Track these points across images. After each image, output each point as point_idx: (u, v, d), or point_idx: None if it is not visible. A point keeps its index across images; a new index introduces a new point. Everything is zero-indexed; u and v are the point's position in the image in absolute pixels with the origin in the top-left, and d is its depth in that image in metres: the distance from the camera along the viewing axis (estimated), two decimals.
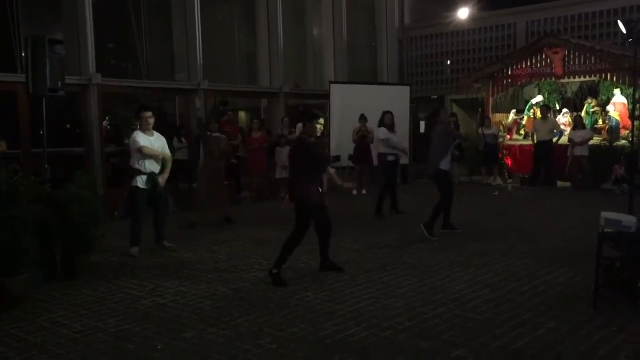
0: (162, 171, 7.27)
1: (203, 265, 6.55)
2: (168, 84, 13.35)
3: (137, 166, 7.07)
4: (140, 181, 7.08)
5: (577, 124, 12.56)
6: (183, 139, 11.74)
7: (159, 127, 7.71)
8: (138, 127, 7.29)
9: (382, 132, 9.62)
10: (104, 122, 12.62)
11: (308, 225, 5.84)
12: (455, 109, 16.34)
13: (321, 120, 5.95)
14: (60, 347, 4.26)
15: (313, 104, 15.80)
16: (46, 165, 7.19)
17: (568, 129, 13.24)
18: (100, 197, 6.75)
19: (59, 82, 7.13)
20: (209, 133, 9.14)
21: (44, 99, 7.11)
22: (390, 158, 9.50)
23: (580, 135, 12.29)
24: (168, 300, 5.29)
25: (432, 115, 8.48)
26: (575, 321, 4.56)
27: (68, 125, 13.57)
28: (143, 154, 6.99)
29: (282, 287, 5.57)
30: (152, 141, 7.16)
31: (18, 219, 5.25)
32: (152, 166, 7.15)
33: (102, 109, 11.54)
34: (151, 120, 7.20)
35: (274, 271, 5.77)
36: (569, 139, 12.48)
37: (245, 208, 10.88)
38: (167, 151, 7.37)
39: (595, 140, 12.54)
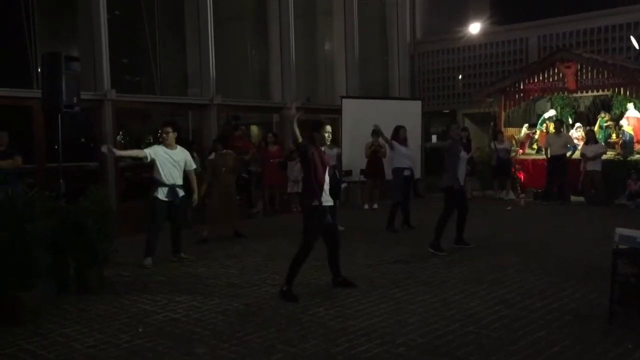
0: (190, 188, 7.48)
1: (215, 280, 6.57)
2: (181, 99, 13.45)
3: (158, 178, 7.20)
4: (161, 193, 7.21)
5: (589, 138, 12.50)
6: (195, 154, 11.78)
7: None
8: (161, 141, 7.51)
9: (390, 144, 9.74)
10: (118, 137, 12.71)
11: (314, 238, 5.80)
12: (468, 123, 16.30)
13: (328, 128, 5.89)
14: None
15: (324, 119, 15.81)
16: (61, 180, 7.26)
17: (581, 144, 13.17)
18: (114, 212, 6.81)
19: (75, 98, 7.23)
20: (213, 153, 9.22)
21: (59, 115, 7.20)
22: (406, 173, 9.51)
23: (592, 150, 12.23)
24: (181, 315, 5.31)
25: (445, 131, 8.44)
26: (590, 339, 4.51)
27: (83, 140, 13.69)
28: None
29: (294, 303, 5.56)
30: (172, 155, 7.30)
31: (32, 234, 5.30)
32: (173, 179, 7.28)
33: (116, 124, 11.64)
34: (169, 135, 7.36)
35: (284, 288, 5.77)
36: (582, 154, 12.42)
37: (257, 222, 10.89)
38: (190, 165, 7.54)
39: (609, 155, 12.46)
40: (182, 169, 7.43)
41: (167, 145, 7.36)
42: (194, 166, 7.65)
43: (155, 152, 7.26)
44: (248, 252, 8.10)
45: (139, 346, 4.56)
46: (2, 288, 5.16)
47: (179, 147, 7.49)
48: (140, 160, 7.41)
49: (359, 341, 4.55)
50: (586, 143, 12.54)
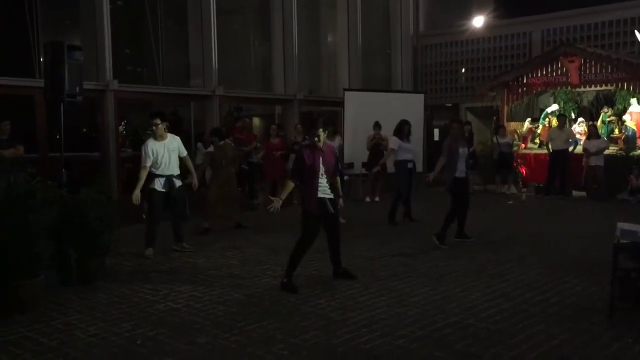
0: (185, 174, 7.45)
1: (216, 271, 6.59)
2: (183, 90, 13.45)
3: (155, 169, 7.21)
4: (158, 184, 7.23)
5: (591, 133, 12.47)
6: (202, 145, 11.76)
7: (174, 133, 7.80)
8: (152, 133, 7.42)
9: (393, 142, 9.70)
10: (120, 128, 12.71)
11: (313, 233, 5.82)
12: (470, 117, 16.30)
13: (319, 132, 5.81)
14: (76, 350, 4.30)
15: (326, 111, 15.85)
16: (63, 170, 7.27)
17: (584, 138, 13.16)
18: (115, 202, 6.82)
19: (77, 88, 7.21)
20: (211, 145, 9.19)
21: (61, 104, 7.19)
22: (409, 165, 9.53)
23: (595, 145, 12.20)
24: (182, 305, 5.33)
25: (447, 127, 8.35)
26: (590, 333, 4.52)
27: (84, 130, 13.71)
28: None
29: (295, 294, 5.58)
30: (166, 145, 7.28)
31: (34, 222, 5.31)
32: (170, 169, 7.28)
33: (118, 115, 11.65)
34: (158, 128, 7.27)
35: (285, 280, 5.80)
36: (584, 149, 12.39)
37: (258, 214, 10.90)
38: (183, 151, 7.49)
39: (612, 150, 12.44)
40: (178, 157, 7.40)
41: (159, 137, 7.28)
42: (185, 152, 7.59)
43: (152, 151, 7.20)
44: (249, 243, 8.12)
45: (140, 335, 4.57)
46: (4, 277, 5.18)
47: (169, 135, 7.39)
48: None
49: (360, 332, 4.57)
50: (588, 138, 12.52)
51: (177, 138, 7.53)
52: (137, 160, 11.89)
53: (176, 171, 7.37)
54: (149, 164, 7.19)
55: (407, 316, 4.95)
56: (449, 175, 7.81)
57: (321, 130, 5.86)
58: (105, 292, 5.79)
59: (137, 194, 7.13)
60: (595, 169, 12.16)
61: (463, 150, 7.95)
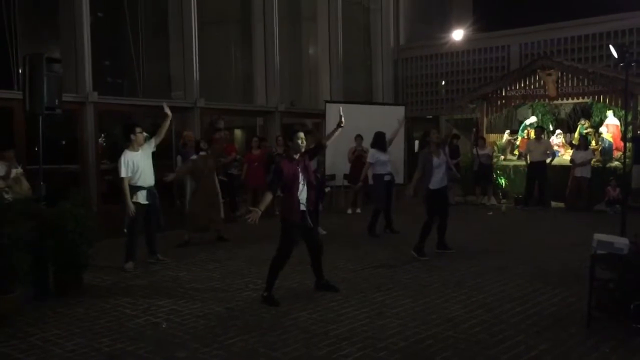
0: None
1: (197, 284, 6.54)
2: (164, 102, 13.37)
3: (135, 182, 7.17)
4: (142, 197, 7.20)
5: (580, 144, 12.58)
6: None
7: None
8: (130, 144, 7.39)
9: (369, 155, 9.73)
10: (100, 140, 12.60)
11: (291, 244, 5.81)
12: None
13: (301, 135, 5.84)
14: None
15: (308, 123, 15.88)
16: (42, 182, 7.19)
17: (562, 150, 13.35)
18: (95, 215, 6.75)
19: (56, 100, 7.15)
20: (194, 156, 9.17)
21: (40, 117, 7.13)
22: (386, 178, 9.56)
23: (581, 156, 12.30)
24: (162, 319, 5.27)
25: (424, 135, 8.21)
26: (568, 343, 4.57)
27: (64, 142, 13.57)
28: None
29: (276, 307, 5.56)
30: (140, 155, 7.28)
31: (11, 236, 5.24)
32: (149, 180, 7.26)
33: (98, 127, 11.56)
34: (140, 136, 7.33)
35: (265, 294, 5.78)
36: (571, 160, 12.51)
37: (240, 226, 10.85)
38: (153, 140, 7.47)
39: None
40: (152, 163, 7.38)
41: (137, 147, 7.29)
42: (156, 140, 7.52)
43: (132, 163, 7.18)
44: (230, 256, 8.08)
45: (120, 350, 4.53)
46: None
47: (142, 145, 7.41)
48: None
49: (341, 345, 4.56)
50: (577, 149, 12.61)
51: (149, 140, 7.49)
52: (117, 172, 11.82)
53: (153, 181, 7.37)
54: (128, 174, 7.17)
55: (388, 328, 4.96)
56: (424, 187, 7.84)
57: (301, 133, 5.85)
58: (83, 306, 5.72)
59: (131, 207, 7.10)
60: (580, 180, 12.27)
61: (438, 160, 7.81)
